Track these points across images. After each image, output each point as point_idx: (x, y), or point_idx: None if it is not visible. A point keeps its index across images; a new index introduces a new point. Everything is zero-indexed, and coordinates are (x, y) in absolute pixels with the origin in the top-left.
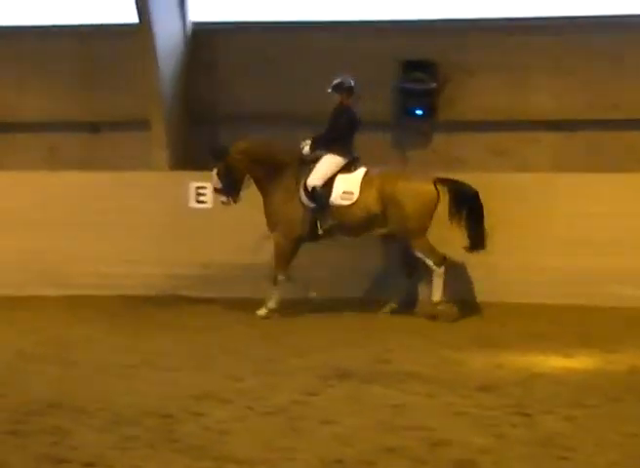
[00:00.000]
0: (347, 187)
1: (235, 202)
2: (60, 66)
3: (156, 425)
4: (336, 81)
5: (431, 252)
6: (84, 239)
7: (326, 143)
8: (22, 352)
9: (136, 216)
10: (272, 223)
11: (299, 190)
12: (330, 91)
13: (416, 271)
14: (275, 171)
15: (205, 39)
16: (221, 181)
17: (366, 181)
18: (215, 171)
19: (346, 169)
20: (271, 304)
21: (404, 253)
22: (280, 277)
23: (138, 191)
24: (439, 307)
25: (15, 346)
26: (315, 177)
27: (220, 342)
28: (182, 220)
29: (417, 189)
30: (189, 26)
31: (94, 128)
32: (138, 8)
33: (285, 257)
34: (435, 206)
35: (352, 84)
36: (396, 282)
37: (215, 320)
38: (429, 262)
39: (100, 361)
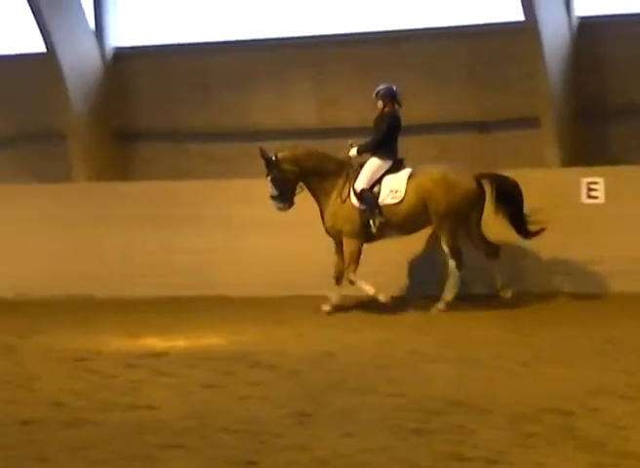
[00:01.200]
0: (394, 186)
1: (289, 208)
2: (450, 67)
3: (556, 422)
4: (378, 88)
5: (456, 253)
6: None
7: (371, 148)
8: (417, 352)
9: None
10: (330, 227)
11: (349, 194)
12: (373, 97)
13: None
14: (325, 177)
15: (592, 33)
16: (276, 189)
17: (411, 180)
18: (269, 178)
19: (393, 170)
20: (334, 300)
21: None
22: (352, 277)
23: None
24: (439, 306)
25: (407, 346)
26: (362, 181)
27: (608, 337)
28: (574, 216)
29: (456, 184)
30: (575, 21)
31: (483, 127)
32: (523, 6)
33: (355, 258)
34: (475, 199)
35: (394, 91)
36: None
37: (599, 315)
38: (451, 263)
39: (493, 358)
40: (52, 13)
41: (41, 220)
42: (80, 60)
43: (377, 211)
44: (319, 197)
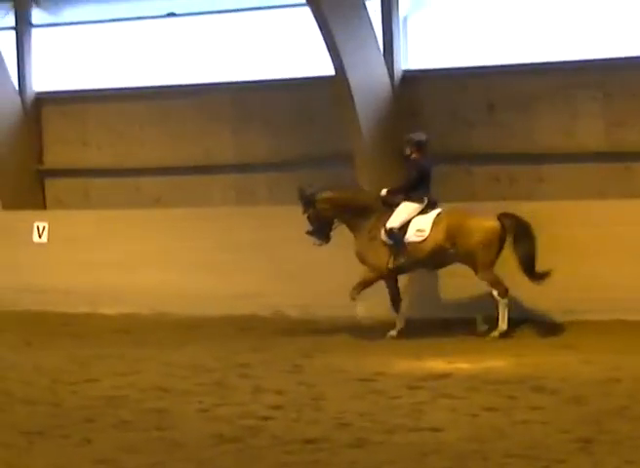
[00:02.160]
0: (420, 226)
1: (326, 243)
2: None
3: None
4: (410, 135)
5: (496, 283)
6: None
7: (400, 192)
8: None
9: None
10: (361, 259)
11: (381, 231)
12: (404, 143)
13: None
14: (359, 214)
15: None
16: (312, 225)
17: (437, 220)
18: (306, 216)
19: (423, 211)
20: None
21: None
22: (355, 294)
23: None
24: (493, 334)
25: None
26: (393, 221)
27: None
28: None
29: (480, 224)
30: None
31: None
32: None
33: (366, 285)
34: (499, 239)
35: (422, 139)
36: None
37: None
38: (494, 293)
39: None
40: (342, 35)
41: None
42: (369, 83)
43: (402, 249)
44: (354, 232)
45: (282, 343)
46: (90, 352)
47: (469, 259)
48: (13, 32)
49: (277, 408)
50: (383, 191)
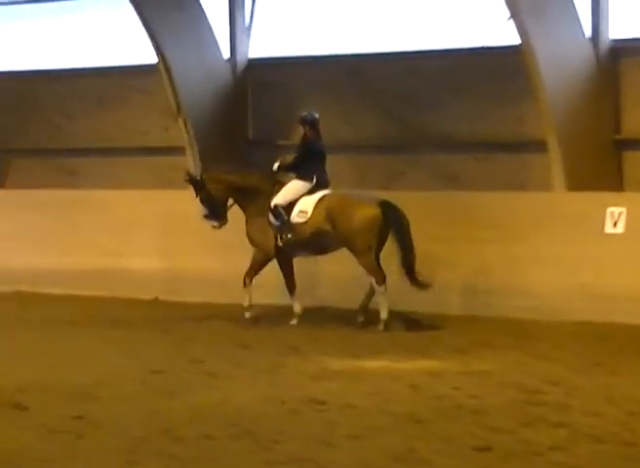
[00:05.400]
0: (303, 207)
1: (223, 224)
2: None
3: None
4: (301, 115)
5: (374, 270)
6: None
7: (289, 169)
8: None
9: None
10: (251, 240)
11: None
12: (298, 122)
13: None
14: (250, 193)
15: None
16: (206, 208)
17: (320, 203)
18: (198, 199)
19: (310, 192)
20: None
21: None
22: (247, 281)
23: None
24: (385, 323)
25: None
26: (279, 198)
27: None
28: None
29: (359, 211)
30: None
31: None
32: None
33: (258, 266)
34: (377, 226)
35: (315, 118)
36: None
37: None
38: (372, 280)
39: None
40: None
41: None
42: None
43: (286, 227)
44: (245, 211)
45: None
46: None
47: (349, 244)
48: None
49: None
50: (275, 166)
